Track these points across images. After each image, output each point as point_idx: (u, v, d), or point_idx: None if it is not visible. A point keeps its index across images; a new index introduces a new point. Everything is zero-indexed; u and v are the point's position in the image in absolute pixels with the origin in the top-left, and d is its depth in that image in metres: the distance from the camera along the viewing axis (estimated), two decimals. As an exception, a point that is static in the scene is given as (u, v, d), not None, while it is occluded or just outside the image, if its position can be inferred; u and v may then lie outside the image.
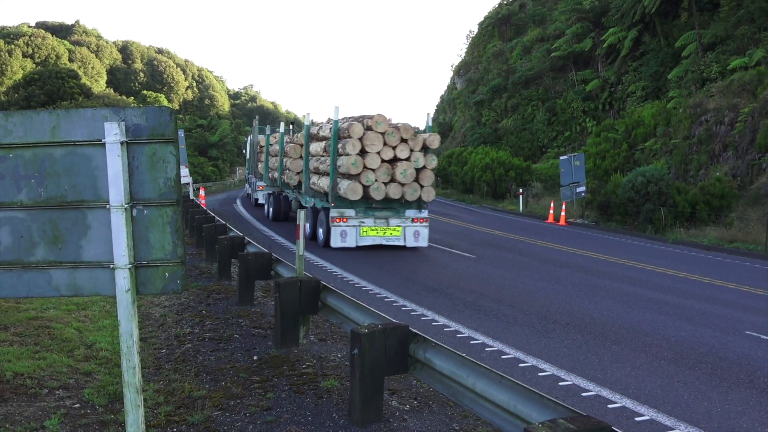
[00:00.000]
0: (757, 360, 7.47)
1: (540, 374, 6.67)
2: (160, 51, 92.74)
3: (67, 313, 8.24)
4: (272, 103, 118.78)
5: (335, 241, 15.31)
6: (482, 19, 61.22)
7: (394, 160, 15.27)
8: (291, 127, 21.53)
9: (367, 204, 15.37)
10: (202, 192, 27.22)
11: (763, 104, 22.94)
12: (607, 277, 12.98)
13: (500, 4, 58.41)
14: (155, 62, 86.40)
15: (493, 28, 57.46)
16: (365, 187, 14.99)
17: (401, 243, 15.76)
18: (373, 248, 15.90)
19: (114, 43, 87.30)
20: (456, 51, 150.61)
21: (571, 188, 25.45)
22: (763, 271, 14.80)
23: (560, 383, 6.41)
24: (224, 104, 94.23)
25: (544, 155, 40.75)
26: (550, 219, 25.91)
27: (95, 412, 5.05)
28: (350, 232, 15.32)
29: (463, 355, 4.56)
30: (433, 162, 15.54)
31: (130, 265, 3.56)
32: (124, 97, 66.61)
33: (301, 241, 7.25)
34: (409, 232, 15.70)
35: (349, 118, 16.50)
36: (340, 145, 15.30)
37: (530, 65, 45.76)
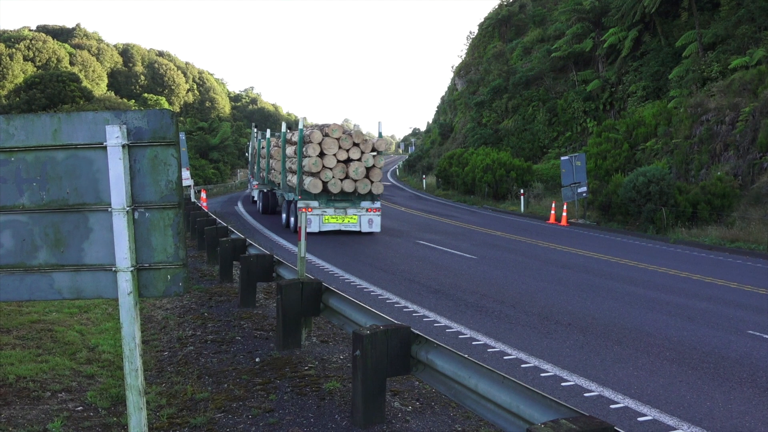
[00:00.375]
0: (760, 359, 7.46)
1: (542, 375, 6.67)
2: (160, 54, 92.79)
3: (70, 316, 8.25)
4: (273, 105, 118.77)
5: (309, 225, 18.25)
6: (482, 20, 61.33)
7: (348, 161, 18.33)
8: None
9: (328, 197, 18.41)
10: (203, 195, 27.24)
11: (764, 103, 22.92)
12: (608, 277, 12.97)
13: (500, 5, 58.43)
14: (156, 65, 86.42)
15: (494, 28, 57.49)
16: (324, 183, 18.07)
17: (357, 229, 18.69)
18: (374, 250, 15.98)
19: (115, 46, 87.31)
20: (456, 52, 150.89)
21: (573, 189, 25.44)
22: (765, 271, 14.78)
23: (562, 383, 6.40)
24: (225, 106, 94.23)
25: (545, 156, 40.74)
26: (552, 219, 25.90)
27: (98, 415, 5.06)
28: (314, 219, 18.37)
29: (465, 356, 4.56)
30: (381, 162, 18.82)
31: (132, 268, 3.57)
32: (125, 100, 66.64)
33: (303, 243, 7.26)
34: (364, 219, 18.70)
35: (313, 126, 19.74)
36: (304, 149, 18.33)
37: (530, 66, 45.76)
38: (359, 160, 18.25)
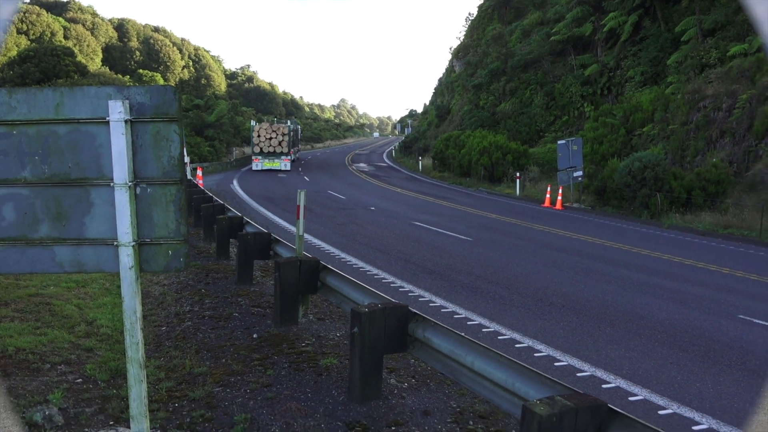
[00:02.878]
0: (750, 343, 7.58)
1: (536, 355, 6.77)
2: (156, 29, 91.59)
3: (67, 290, 8.28)
4: (270, 83, 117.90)
5: (254, 167, 40.73)
6: (482, 1, 60.76)
7: (271, 138, 40.83)
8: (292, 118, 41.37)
9: (265, 154, 40.83)
10: (199, 172, 27.15)
11: (761, 91, 22.93)
12: (602, 261, 13.08)
13: (500, -13, 57.84)
14: (151, 41, 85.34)
15: (493, 11, 57.03)
16: (261, 147, 40.85)
17: (280, 168, 40.48)
18: (370, 230, 16.07)
19: (110, 20, 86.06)
20: (455, 34, 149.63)
21: (568, 173, 25.47)
22: (757, 257, 14.93)
23: (555, 363, 6.50)
24: (221, 84, 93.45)
25: (542, 139, 40.67)
26: (547, 203, 25.98)
27: (97, 387, 5.12)
28: (259, 164, 40.72)
29: (462, 334, 4.63)
30: (286, 138, 40.93)
31: (134, 243, 3.60)
32: (120, 76, 65.87)
33: (301, 221, 7.29)
34: (282, 164, 40.76)
35: (256, 123, 43.04)
36: (253, 133, 41.11)
37: (529, 49, 45.50)
38: (276, 137, 40.81)
